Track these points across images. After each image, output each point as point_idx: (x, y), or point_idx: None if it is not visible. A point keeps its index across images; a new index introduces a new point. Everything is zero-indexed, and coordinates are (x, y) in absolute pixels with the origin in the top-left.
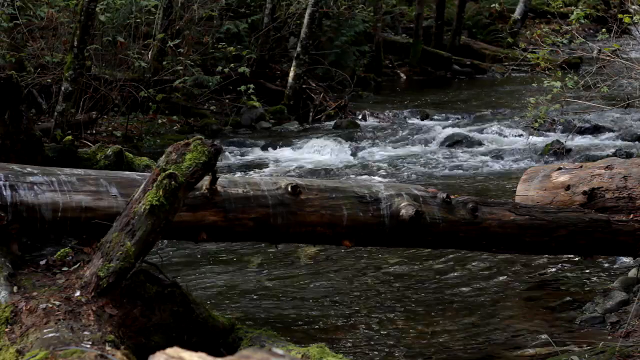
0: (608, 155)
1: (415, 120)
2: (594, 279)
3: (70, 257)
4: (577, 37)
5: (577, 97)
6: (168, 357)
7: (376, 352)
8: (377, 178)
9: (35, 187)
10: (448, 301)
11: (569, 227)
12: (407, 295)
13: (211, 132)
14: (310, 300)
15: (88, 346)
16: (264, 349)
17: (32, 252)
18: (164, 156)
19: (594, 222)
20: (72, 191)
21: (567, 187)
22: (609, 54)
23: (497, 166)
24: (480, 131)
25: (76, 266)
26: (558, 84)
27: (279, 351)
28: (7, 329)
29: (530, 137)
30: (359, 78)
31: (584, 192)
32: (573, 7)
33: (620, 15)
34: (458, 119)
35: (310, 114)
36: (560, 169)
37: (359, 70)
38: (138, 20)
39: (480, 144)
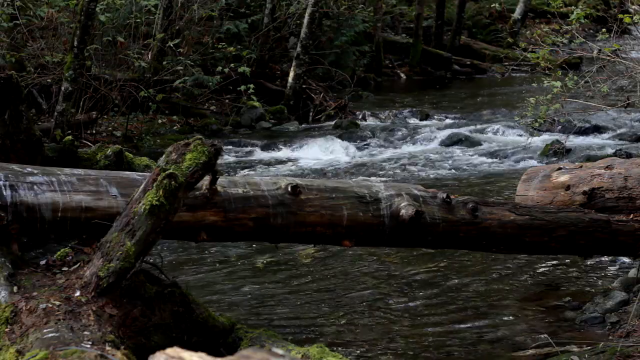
0: (608, 155)
1: (415, 120)
2: (594, 279)
3: (70, 257)
4: (577, 37)
5: (577, 97)
6: (168, 357)
7: (376, 352)
8: (377, 178)
9: (35, 187)
10: (448, 302)
11: (569, 227)
12: (407, 296)
13: (211, 132)
14: (310, 301)
15: (88, 346)
16: (264, 349)
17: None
18: (164, 156)
19: (594, 222)
20: (72, 191)
21: (567, 187)
22: (609, 54)
23: (497, 166)
24: (480, 131)
25: (76, 266)
26: (558, 84)
27: (279, 351)
28: (7, 329)
29: (530, 137)
30: (359, 78)
31: (584, 192)
32: (573, 7)
33: (620, 15)
34: (458, 119)
35: (310, 114)
36: (560, 169)
37: (359, 70)
38: (138, 20)
39: (480, 144)
